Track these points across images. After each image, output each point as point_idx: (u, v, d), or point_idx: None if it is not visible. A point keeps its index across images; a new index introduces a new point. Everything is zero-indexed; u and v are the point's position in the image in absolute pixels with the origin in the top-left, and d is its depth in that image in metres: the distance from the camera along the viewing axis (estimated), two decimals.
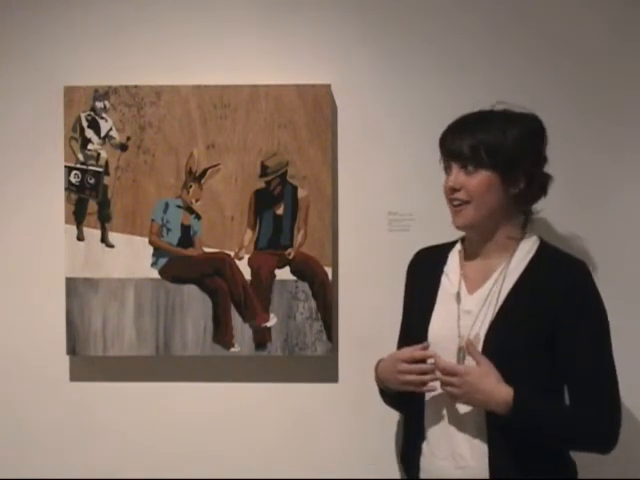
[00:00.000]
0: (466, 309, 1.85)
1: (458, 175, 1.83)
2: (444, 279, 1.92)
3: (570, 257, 1.89)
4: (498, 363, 1.77)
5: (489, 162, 1.80)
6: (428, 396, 1.87)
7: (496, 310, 1.81)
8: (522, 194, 1.86)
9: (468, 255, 1.92)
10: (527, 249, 1.87)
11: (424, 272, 1.99)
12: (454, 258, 1.95)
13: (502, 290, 1.83)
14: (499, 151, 1.80)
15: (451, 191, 1.84)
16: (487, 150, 1.79)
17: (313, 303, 2.26)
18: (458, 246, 1.97)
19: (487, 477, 1.78)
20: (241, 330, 2.28)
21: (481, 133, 1.81)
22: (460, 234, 1.97)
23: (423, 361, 1.82)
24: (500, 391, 1.74)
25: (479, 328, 1.81)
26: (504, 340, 1.79)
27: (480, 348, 1.79)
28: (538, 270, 1.84)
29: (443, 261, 1.96)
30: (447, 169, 1.87)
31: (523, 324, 1.79)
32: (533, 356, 1.79)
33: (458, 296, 1.87)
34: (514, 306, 1.81)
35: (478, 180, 1.81)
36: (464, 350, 1.81)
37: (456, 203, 1.84)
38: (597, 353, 1.80)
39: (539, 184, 1.88)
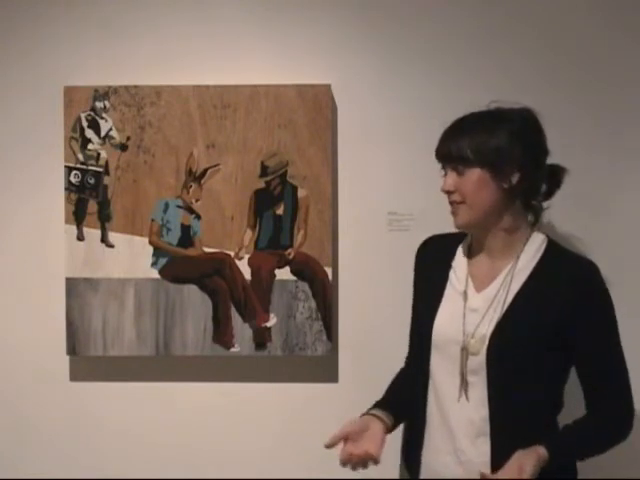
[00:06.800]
0: (472, 307, 1.85)
1: (450, 177, 1.83)
2: (452, 274, 1.92)
3: (579, 258, 1.89)
4: (503, 363, 1.78)
5: (475, 159, 1.79)
6: (431, 392, 1.87)
7: (504, 310, 1.81)
8: (518, 188, 1.84)
9: (475, 251, 1.91)
10: (535, 248, 1.86)
11: (432, 263, 1.98)
12: (462, 253, 1.94)
13: (510, 290, 1.82)
14: (484, 147, 1.79)
15: (447, 194, 1.84)
16: (472, 148, 1.79)
17: (313, 303, 2.27)
18: (468, 239, 1.95)
19: (489, 473, 1.78)
20: (241, 330, 2.28)
21: (468, 133, 1.81)
22: None
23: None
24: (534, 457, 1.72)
25: (485, 328, 1.81)
26: (511, 340, 1.78)
27: (485, 348, 1.79)
28: (547, 270, 1.83)
29: (452, 254, 1.95)
30: (444, 175, 1.86)
31: (531, 324, 1.79)
32: (537, 358, 1.79)
33: (465, 294, 1.87)
34: (522, 307, 1.80)
35: (468, 179, 1.80)
36: (467, 350, 1.81)
37: (454, 205, 1.84)
38: (612, 351, 1.83)
39: (539, 177, 1.87)
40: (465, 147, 1.80)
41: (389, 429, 1.90)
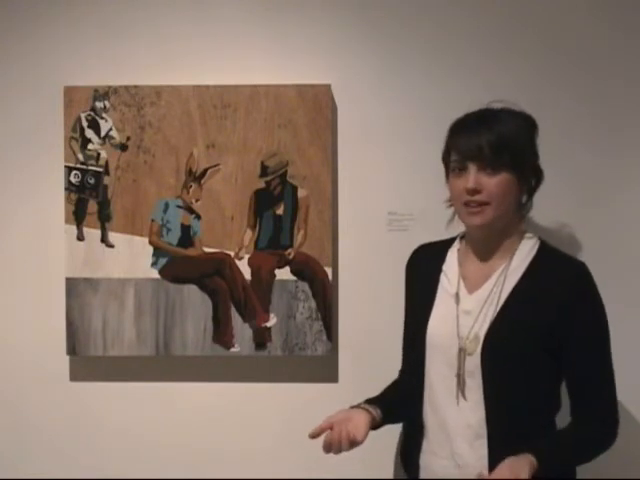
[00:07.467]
0: (465, 309, 1.84)
1: (478, 176, 1.76)
2: (443, 278, 1.91)
3: (571, 259, 1.88)
4: (497, 364, 1.78)
5: (509, 161, 1.76)
6: (428, 395, 1.87)
7: (497, 311, 1.81)
8: (530, 192, 1.86)
9: (468, 254, 1.91)
10: (528, 250, 1.86)
11: (423, 270, 1.98)
12: (453, 256, 1.93)
13: (503, 291, 1.82)
14: (516, 149, 1.77)
15: (471, 192, 1.77)
16: (507, 148, 1.75)
17: (313, 303, 2.27)
18: (457, 244, 1.95)
19: (486, 474, 1.78)
20: (241, 330, 2.28)
21: (497, 130, 1.76)
22: (459, 231, 1.96)
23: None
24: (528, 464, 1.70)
25: (479, 329, 1.81)
26: (504, 341, 1.78)
27: (479, 348, 1.79)
28: (539, 272, 1.83)
29: (442, 259, 1.94)
30: (459, 170, 1.80)
31: (524, 325, 1.78)
32: (532, 358, 1.79)
33: (457, 296, 1.87)
34: (515, 307, 1.80)
35: (499, 181, 1.76)
36: (464, 351, 1.81)
37: (474, 205, 1.78)
38: (600, 355, 1.81)
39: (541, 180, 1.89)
40: (500, 147, 1.75)
41: (375, 421, 1.88)
